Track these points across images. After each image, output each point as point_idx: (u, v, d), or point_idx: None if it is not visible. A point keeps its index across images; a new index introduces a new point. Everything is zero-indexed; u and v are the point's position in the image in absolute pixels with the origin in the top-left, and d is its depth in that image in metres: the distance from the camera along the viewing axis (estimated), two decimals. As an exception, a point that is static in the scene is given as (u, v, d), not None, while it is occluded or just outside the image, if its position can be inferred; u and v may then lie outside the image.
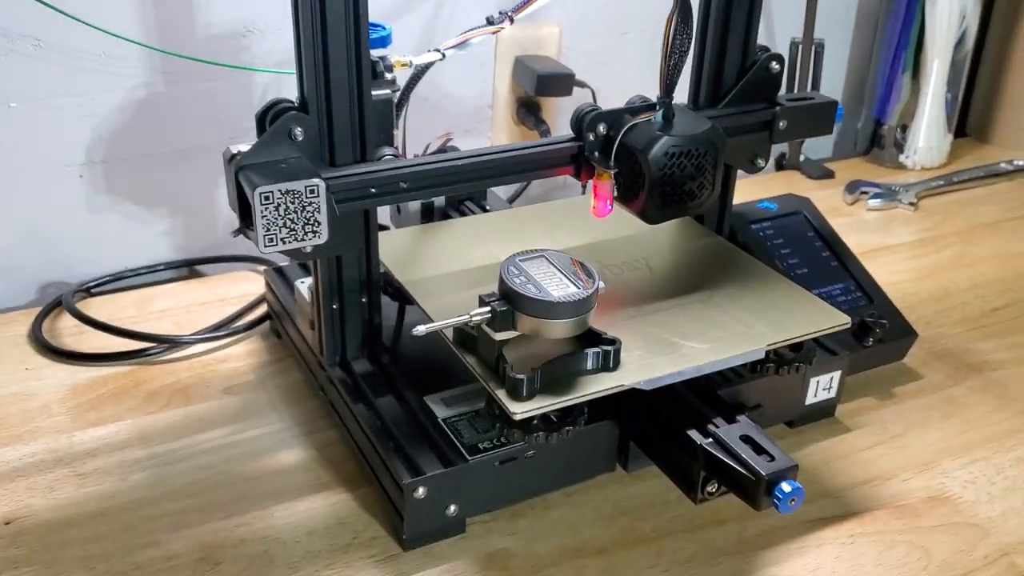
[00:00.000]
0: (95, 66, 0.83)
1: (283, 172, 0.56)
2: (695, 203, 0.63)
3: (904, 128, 1.19)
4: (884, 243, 1.01)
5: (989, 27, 1.25)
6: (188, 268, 0.94)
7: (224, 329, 0.80)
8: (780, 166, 1.20)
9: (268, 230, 0.56)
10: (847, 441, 0.70)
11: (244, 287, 0.88)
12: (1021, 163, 1.19)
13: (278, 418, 0.71)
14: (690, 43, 0.61)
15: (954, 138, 1.22)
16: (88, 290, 0.88)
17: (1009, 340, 0.83)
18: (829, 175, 1.17)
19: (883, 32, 1.18)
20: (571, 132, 0.64)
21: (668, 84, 0.62)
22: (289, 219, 0.56)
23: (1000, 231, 1.04)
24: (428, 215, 0.82)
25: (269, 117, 0.59)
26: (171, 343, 0.78)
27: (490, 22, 0.68)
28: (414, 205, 0.82)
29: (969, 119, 1.30)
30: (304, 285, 0.70)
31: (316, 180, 0.56)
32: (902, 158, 1.20)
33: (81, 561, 0.58)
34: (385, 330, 0.69)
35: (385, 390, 0.65)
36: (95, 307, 0.84)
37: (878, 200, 1.09)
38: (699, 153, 0.62)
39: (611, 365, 0.56)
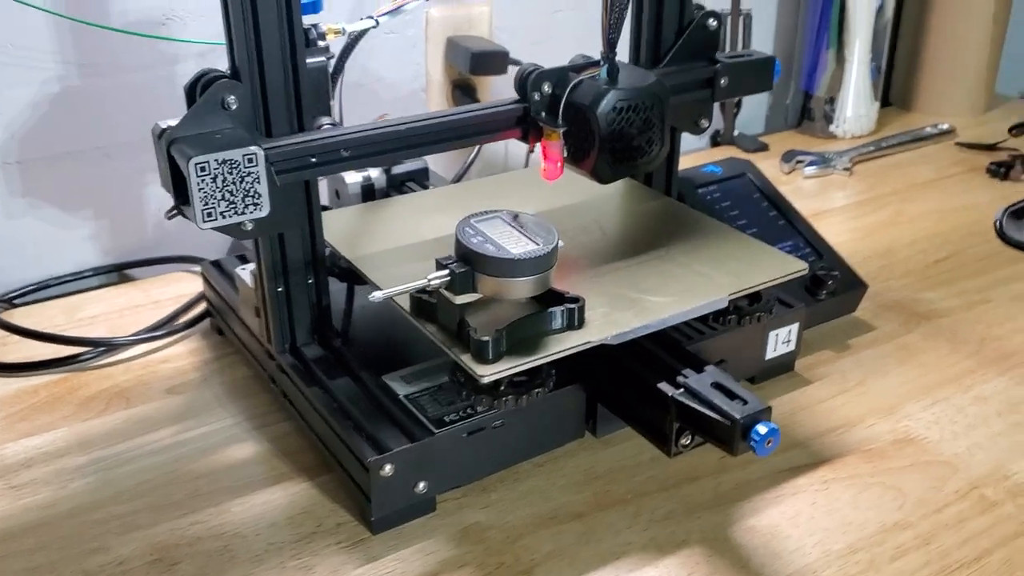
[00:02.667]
0: (1, 59, 0.78)
1: (218, 142, 0.54)
2: (645, 159, 0.62)
3: (832, 99, 1.21)
4: (824, 207, 1.02)
5: (905, -3, 1.28)
6: (118, 272, 0.89)
7: (162, 329, 0.77)
8: (715, 142, 1.21)
9: (206, 204, 0.53)
10: (809, 393, 0.70)
11: (179, 288, 0.84)
12: (945, 127, 1.21)
13: (227, 414, 0.67)
14: (630, -3, 0.60)
15: (880, 106, 1.24)
16: (10, 301, 0.83)
17: (954, 288, 0.84)
18: (764, 148, 1.18)
19: (807, 5, 1.20)
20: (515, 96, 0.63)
21: (611, 39, 0.61)
22: (228, 191, 0.53)
23: (933, 189, 1.06)
24: (369, 196, 0.80)
25: (199, 87, 0.56)
26: (106, 346, 0.74)
27: (423, -10, 0.66)
28: (354, 188, 0.80)
29: (892, 87, 1.33)
30: (246, 271, 0.67)
31: (254, 148, 0.53)
32: (832, 128, 1.22)
33: (26, 574, 0.54)
34: (334, 313, 0.66)
35: (340, 372, 0.62)
36: (19, 318, 0.79)
37: (814, 167, 1.10)
38: (646, 106, 0.61)
39: (576, 323, 0.54)
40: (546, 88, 0.62)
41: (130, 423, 0.66)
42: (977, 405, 0.68)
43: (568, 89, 0.61)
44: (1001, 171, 1.08)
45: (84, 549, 0.55)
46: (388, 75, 0.96)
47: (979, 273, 0.86)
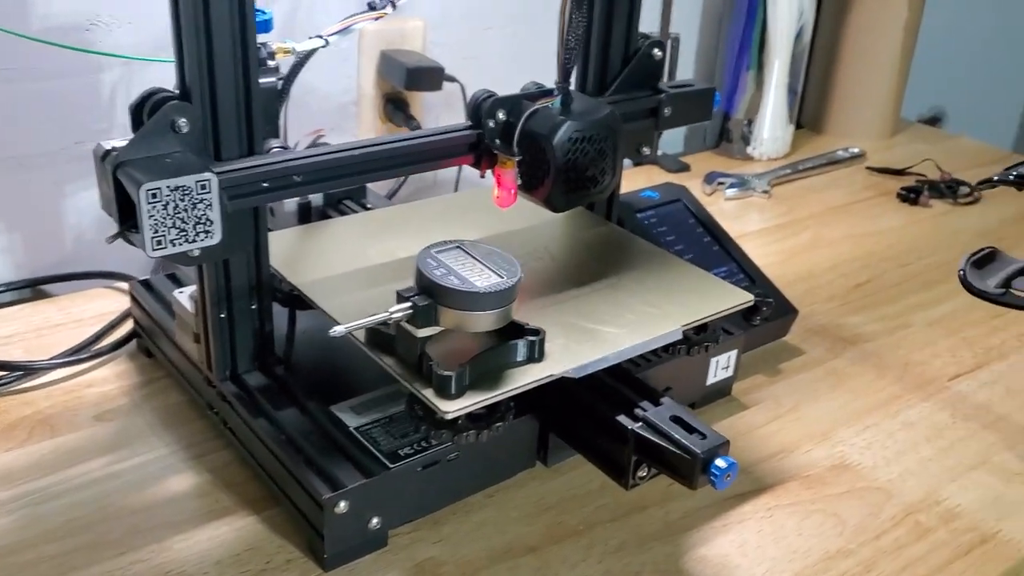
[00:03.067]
0: (-90, 64, 0.74)
1: (169, 167, 0.51)
2: (597, 189, 0.63)
3: (750, 121, 1.24)
4: (745, 230, 1.04)
5: (819, 24, 1.32)
6: (32, 288, 0.85)
7: (85, 351, 0.73)
8: (638, 162, 1.22)
9: (157, 231, 0.51)
10: (746, 418, 0.71)
11: (102, 305, 0.80)
12: (856, 150, 1.26)
13: (161, 443, 0.65)
14: (586, 26, 0.61)
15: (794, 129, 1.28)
16: (-86, 318, 0.78)
17: (875, 313, 0.87)
18: (685, 168, 1.20)
19: (728, 29, 1.23)
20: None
21: (566, 69, 0.61)
22: (179, 218, 0.51)
23: (848, 213, 1.10)
24: (305, 216, 0.78)
25: (147, 108, 0.53)
26: (25, 370, 0.70)
27: (372, 7, 0.65)
28: (290, 206, 0.78)
29: (804, 110, 1.37)
30: (184, 295, 0.64)
31: (207, 174, 0.51)
32: (749, 150, 1.25)
33: (-51, 621, 0.50)
34: (276, 339, 0.64)
35: (285, 402, 0.60)
36: (-75, 337, 0.75)
37: (734, 189, 1.13)
38: (601, 137, 0.61)
39: (537, 356, 0.54)
40: (501, 115, 0.61)
41: (57, 454, 0.63)
42: (906, 431, 0.71)
43: (523, 118, 0.61)
44: (911, 196, 1.13)
45: (15, 594, 0.52)
46: (320, 87, 0.94)
47: (897, 298, 0.90)
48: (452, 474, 0.58)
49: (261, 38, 0.61)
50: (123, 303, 0.79)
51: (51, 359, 0.71)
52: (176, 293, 0.65)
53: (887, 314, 0.87)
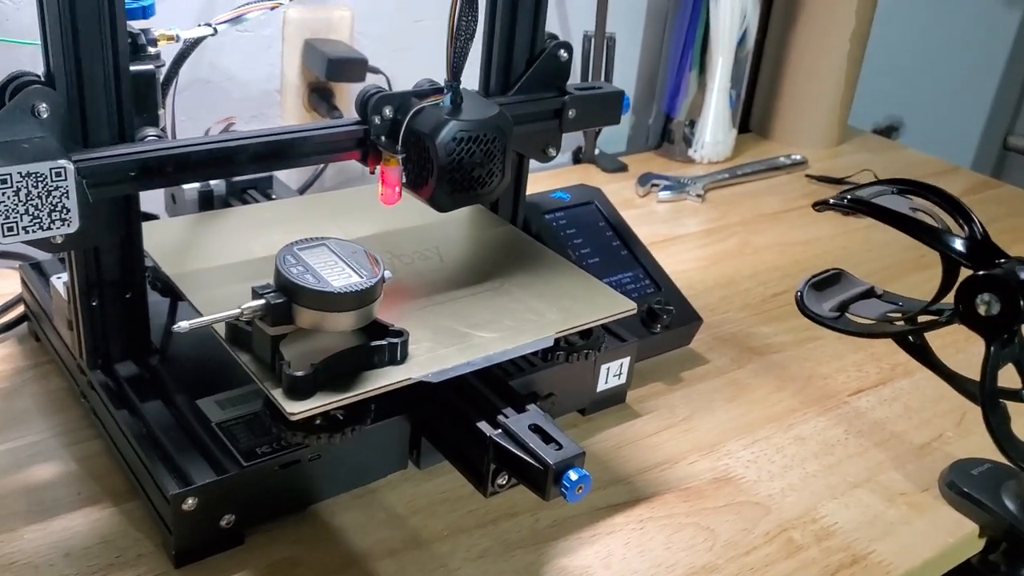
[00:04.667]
0: None
1: (25, 153, 0.50)
2: (485, 190, 0.62)
3: (692, 123, 1.24)
4: (673, 233, 1.04)
5: (768, 29, 1.32)
6: (-71, 266, 0.83)
7: (-29, 332, 0.72)
8: (577, 159, 1.22)
9: (7, 218, 0.50)
10: (636, 427, 0.71)
11: (2, 286, 0.79)
12: (798, 157, 1.26)
13: (34, 429, 0.64)
14: (475, 25, 0.60)
15: (738, 133, 1.27)
16: None
17: (787, 324, 0.87)
18: (623, 168, 1.19)
19: (671, 30, 1.22)
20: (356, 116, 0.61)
21: (455, 67, 0.60)
22: (32, 205, 0.50)
23: (779, 221, 1.09)
24: (207, 204, 0.77)
25: (8, 92, 0.52)
26: (-95, 349, 0.69)
27: (267, -2, 0.64)
28: (191, 194, 0.76)
29: (752, 116, 1.37)
30: (60, 281, 0.63)
31: (62, 161, 0.50)
32: (690, 152, 1.24)
33: None
34: (154, 329, 0.63)
35: (153, 394, 0.59)
36: None
37: (668, 192, 1.12)
38: (488, 139, 0.60)
39: (398, 358, 0.53)
40: (387, 112, 0.61)
41: (-76, 436, 0.62)
42: (796, 445, 0.70)
43: (409, 115, 0.60)
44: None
45: None
46: (240, 74, 0.93)
47: (812, 310, 0.90)
48: (314, 474, 0.57)
49: (142, 24, 0.59)
50: (19, 285, 0.78)
51: (-66, 339, 0.70)
52: (54, 279, 0.64)
53: (799, 325, 0.86)
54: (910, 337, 0.60)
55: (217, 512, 0.53)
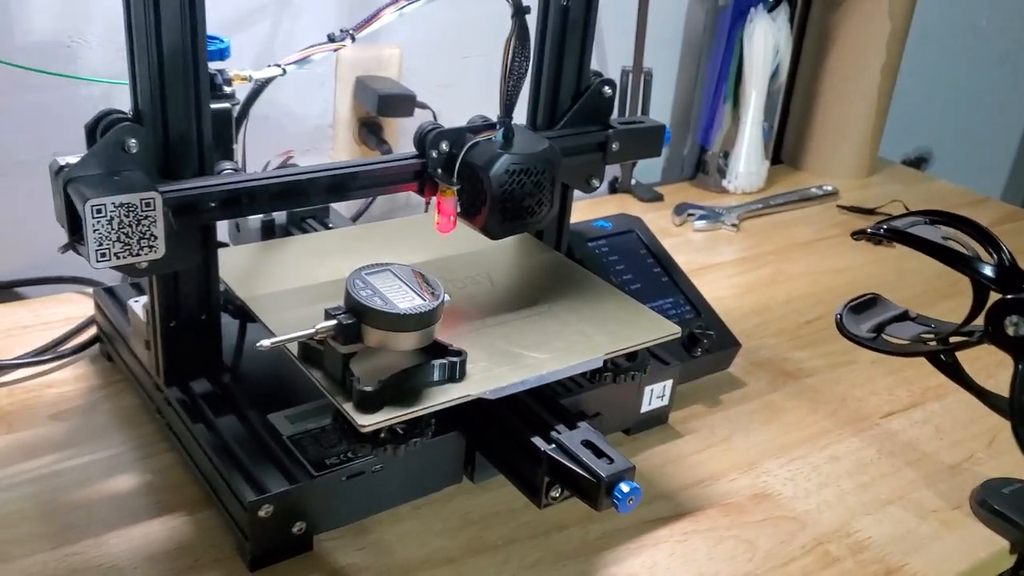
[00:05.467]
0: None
1: (117, 185, 0.55)
2: (534, 219, 0.66)
3: (726, 155, 1.27)
4: (709, 261, 1.07)
5: (799, 63, 1.36)
6: (6, 290, 0.88)
7: (49, 353, 0.76)
8: (613, 189, 1.26)
9: (101, 244, 0.54)
10: (679, 446, 0.74)
11: (70, 309, 0.84)
12: (829, 188, 1.29)
13: (111, 443, 0.68)
14: (528, 65, 0.64)
15: (771, 164, 1.31)
16: None
17: (820, 349, 0.90)
18: (659, 198, 1.23)
19: (706, 64, 1.26)
20: (414, 150, 0.65)
21: (508, 104, 0.64)
22: (123, 233, 0.54)
23: (812, 250, 1.12)
24: (269, 233, 0.81)
25: (100, 128, 0.57)
26: (-11, 368, 0.74)
27: (331, 39, 0.68)
28: (254, 223, 0.81)
29: (784, 147, 1.40)
30: (138, 304, 0.67)
31: (152, 193, 0.55)
32: (724, 183, 1.28)
33: None
34: (225, 349, 0.67)
35: (226, 409, 0.63)
36: (-100, 332, 0.78)
37: (703, 221, 1.15)
38: (538, 171, 0.64)
39: (457, 376, 0.57)
40: (444, 146, 0.65)
41: (11, 449, 0.66)
42: (830, 464, 0.73)
43: (464, 149, 0.64)
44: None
45: (-47, 579, 0.55)
46: (296, 110, 0.98)
47: (845, 335, 0.92)
48: (377, 485, 0.61)
49: (218, 65, 0.64)
50: (90, 308, 0.82)
51: (15, 359, 0.75)
52: (131, 301, 0.68)
53: (832, 351, 0.90)
54: (942, 356, 0.63)
55: (290, 519, 0.57)
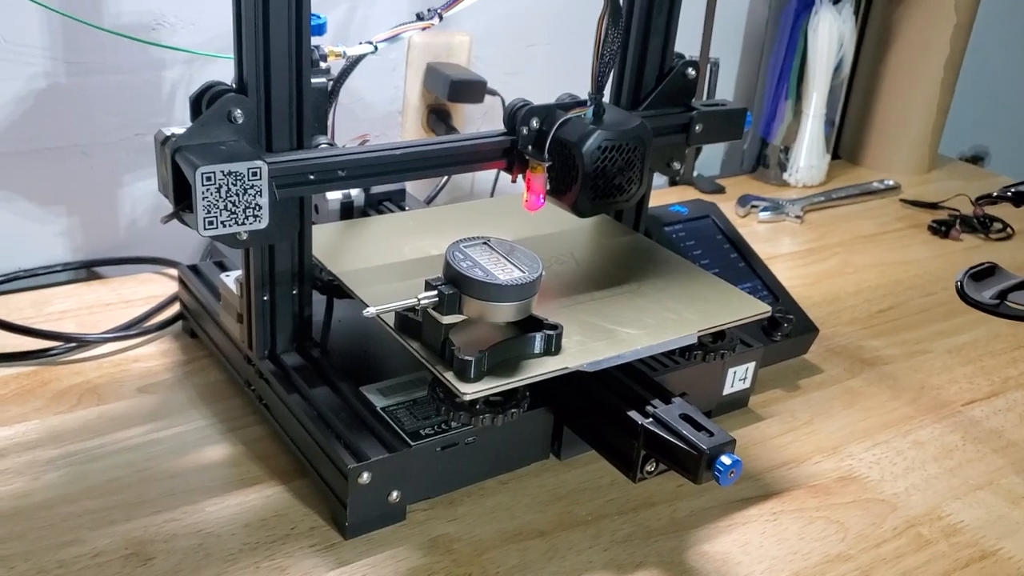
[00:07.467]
0: (-7, 53, 0.79)
1: (224, 154, 0.55)
2: (624, 197, 0.66)
3: (787, 148, 1.26)
4: (776, 252, 1.07)
5: (860, 57, 1.35)
6: (87, 269, 0.90)
7: (134, 328, 0.77)
8: (674, 182, 1.25)
9: (209, 212, 0.55)
10: (761, 429, 0.73)
11: (149, 289, 0.85)
12: (891, 183, 1.28)
13: (200, 415, 0.69)
14: (619, 42, 0.64)
15: (830, 159, 1.30)
16: (-22, 291, 0.83)
17: (895, 338, 0.89)
18: (720, 190, 1.22)
19: (769, 57, 1.25)
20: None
21: (599, 81, 0.64)
22: (230, 202, 0.55)
23: (877, 243, 1.11)
24: (347, 214, 0.82)
25: (206, 99, 0.58)
26: (77, 342, 0.75)
27: (419, 18, 0.68)
28: (333, 204, 0.82)
29: (842, 142, 1.39)
30: (230, 278, 0.68)
31: (259, 162, 0.55)
32: (785, 176, 1.27)
33: (0, 562, 0.54)
34: (314, 325, 0.68)
35: (319, 381, 0.64)
36: (-13, 308, 0.80)
37: (767, 213, 1.15)
38: (629, 148, 0.64)
39: (554, 349, 0.57)
40: (534, 123, 0.65)
41: (103, 420, 0.67)
42: (915, 449, 0.72)
43: (556, 126, 0.64)
44: (942, 229, 1.14)
45: (59, 541, 0.56)
46: (367, 95, 0.99)
47: (918, 325, 0.92)
48: (469, 457, 0.61)
49: (314, 40, 0.65)
50: (169, 287, 0.84)
51: (102, 333, 0.76)
52: (223, 276, 0.69)
53: (907, 339, 0.89)
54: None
55: (386, 487, 0.57)
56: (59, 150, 0.85)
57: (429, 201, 0.96)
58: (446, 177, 0.99)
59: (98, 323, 0.79)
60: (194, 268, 0.77)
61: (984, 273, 0.60)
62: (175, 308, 0.80)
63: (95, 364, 0.74)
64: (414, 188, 0.98)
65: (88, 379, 0.72)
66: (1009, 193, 0.60)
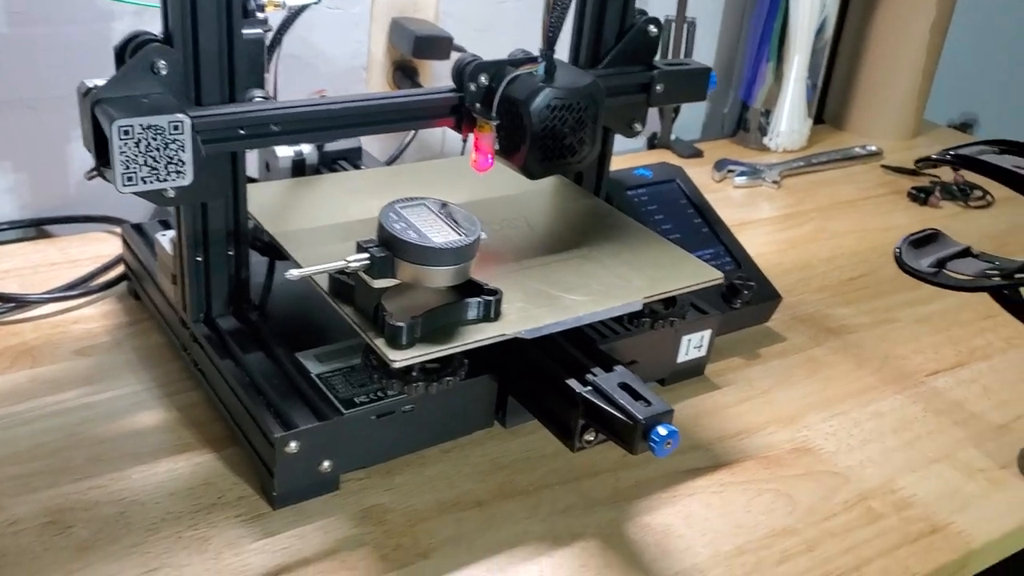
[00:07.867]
0: (-71, 2, 0.76)
1: (145, 106, 0.53)
2: (575, 158, 0.63)
3: (768, 112, 1.24)
4: (750, 217, 1.04)
5: (846, 20, 1.31)
6: (36, 228, 0.87)
7: (76, 289, 0.75)
8: (652, 145, 1.23)
9: (128, 168, 0.52)
10: (715, 398, 0.72)
11: (99, 248, 0.83)
12: (873, 148, 1.25)
13: (136, 380, 0.67)
14: (572, -3, 0.61)
15: (813, 124, 1.27)
16: (-81, 248, 0.81)
17: (865, 306, 0.87)
18: (698, 154, 1.20)
19: (750, 19, 1.22)
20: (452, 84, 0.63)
21: (550, 37, 0.62)
22: (150, 157, 0.53)
23: (856, 209, 1.09)
24: (299, 172, 0.79)
25: (129, 50, 0.55)
26: (16, 302, 0.73)
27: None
28: (284, 162, 0.79)
29: (827, 106, 1.36)
30: (166, 238, 0.66)
31: (180, 116, 0.53)
32: (765, 140, 1.24)
33: (-89, 528, 0.53)
34: (253, 287, 0.66)
35: (254, 346, 0.62)
36: (-72, 266, 0.77)
37: (744, 178, 1.12)
38: (580, 107, 0.61)
39: (492, 315, 0.55)
40: (483, 80, 0.62)
41: (35, 383, 0.65)
42: (874, 420, 0.70)
43: (504, 82, 0.61)
44: (921, 196, 1.12)
45: (-24, 507, 0.55)
46: (328, 50, 0.96)
47: (889, 293, 0.90)
48: (407, 425, 0.59)
49: (251, -11, 0.62)
50: (119, 247, 0.81)
51: (43, 293, 0.74)
52: (159, 235, 0.67)
53: (875, 308, 0.87)
54: (1006, 292, 0.60)
55: (317, 457, 0.56)
56: (4, 104, 0.82)
57: (391, 161, 0.94)
58: (410, 135, 0.96)
59: (42, 283, 0.77)
60: (138, 227, 0.75)
61: (925, 240, 0.58)
62: (120, 268, 0.78)
63: (32, 325, 0.72)
64: (377, 148, 0.95)
65: (24, 340, 0.70)
66: (948, 156, 0.57)
